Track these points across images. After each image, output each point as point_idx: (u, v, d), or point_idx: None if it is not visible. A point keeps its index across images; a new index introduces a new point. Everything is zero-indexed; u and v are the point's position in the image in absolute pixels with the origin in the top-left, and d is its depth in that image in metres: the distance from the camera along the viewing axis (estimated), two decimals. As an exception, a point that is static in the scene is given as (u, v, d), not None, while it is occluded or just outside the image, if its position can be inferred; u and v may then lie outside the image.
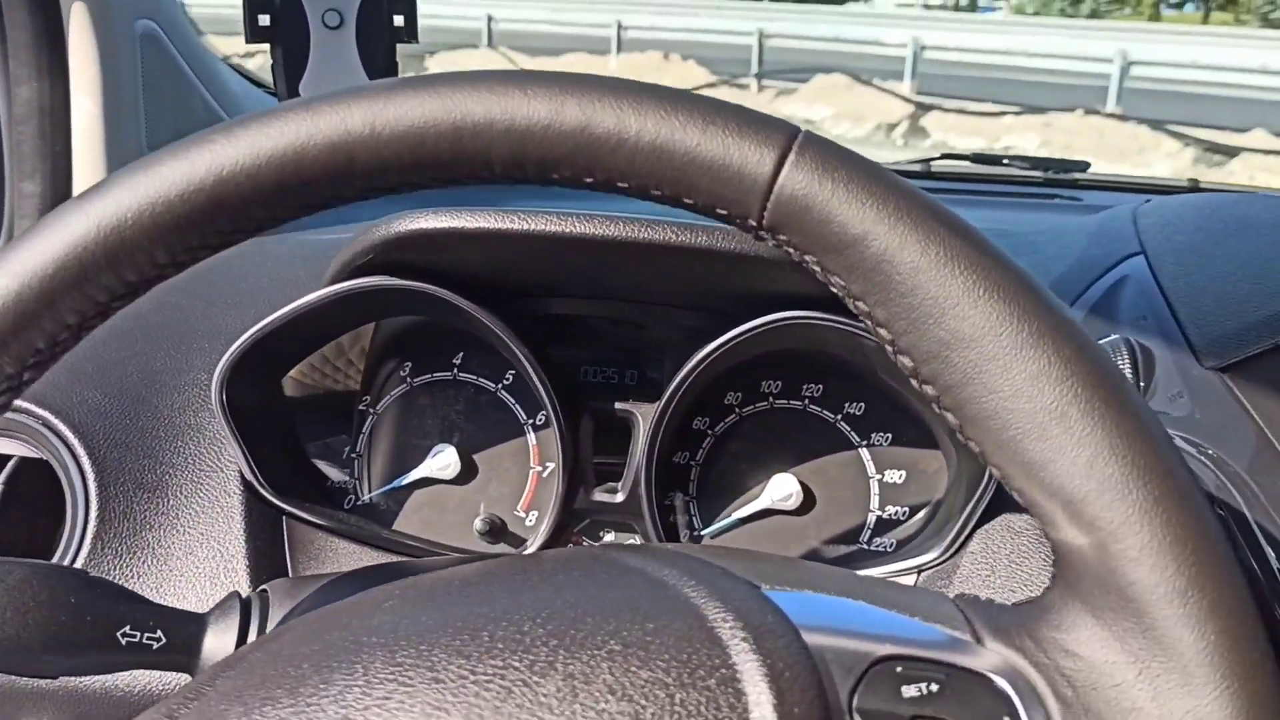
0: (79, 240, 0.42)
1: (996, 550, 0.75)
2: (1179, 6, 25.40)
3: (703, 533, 0.88)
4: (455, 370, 0.90)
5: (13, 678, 0.76)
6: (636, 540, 0.88)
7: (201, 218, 0.43)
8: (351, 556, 0.84)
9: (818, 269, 0.45)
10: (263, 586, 0.69)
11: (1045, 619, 0.44)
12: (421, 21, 1.22)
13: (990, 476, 0.74)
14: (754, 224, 0.44)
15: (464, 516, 0.89)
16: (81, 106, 1.11)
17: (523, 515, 0.89)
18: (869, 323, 0.45)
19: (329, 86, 1.20)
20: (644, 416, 0.86)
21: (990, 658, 0.44)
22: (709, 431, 0.88)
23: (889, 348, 0.45)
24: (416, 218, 0.72)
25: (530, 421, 0.90)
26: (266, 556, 0.81)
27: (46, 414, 0.81)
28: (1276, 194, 1.39)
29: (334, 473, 0.90)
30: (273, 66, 1.18)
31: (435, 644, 0.43)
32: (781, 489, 0.85)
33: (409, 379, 0.90)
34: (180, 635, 0.64)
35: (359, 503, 0.90)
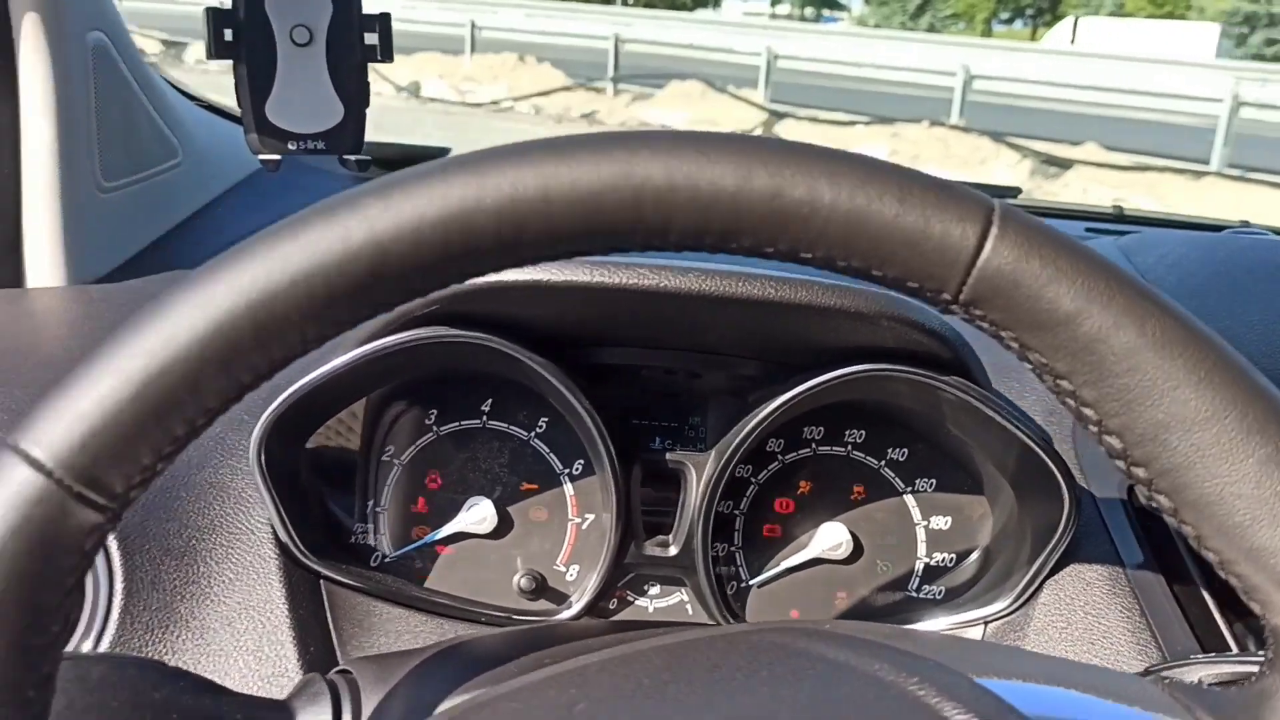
0: (227, 317, 0.38)
1: (1070, 602, 0.76)
2: (1009, 23, 26.65)
3: (751, 583, 0.86)
4: (484, 418, 0.86)
5: None
6: (684, 595, 0.86)
7: (358, 290, 0.39)
8: (396, 621, 0.79)
9: (1015, 345, 0.43)
10: (341, 668, 0.64)
11: (1267, 705, 0.44)
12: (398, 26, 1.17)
13: (1064, 528, 0.74)
14: (948, 298, 0.42)
15: (502, 572, 0.85)
16: (34, 127, 1.02)
17: (563, 569, 0.85)
18: (1071, 403, 0.43)
19: (297, 107, 1.14)
20: (696, 467, 0.83)
21: None
22: (752, 480, 0.86)
23: (1093, 428, 0.44)
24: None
25: (567, 471, 0.86)
26: (312, 626, 0.75)
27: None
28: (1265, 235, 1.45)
29: (355, 527, 0.85)
30: (236, 85, 1.10)
31: None
32: (831, 538, 0.84)
33: (435, 427, 0.85)
34: None
35: (386, 559, 0.84)
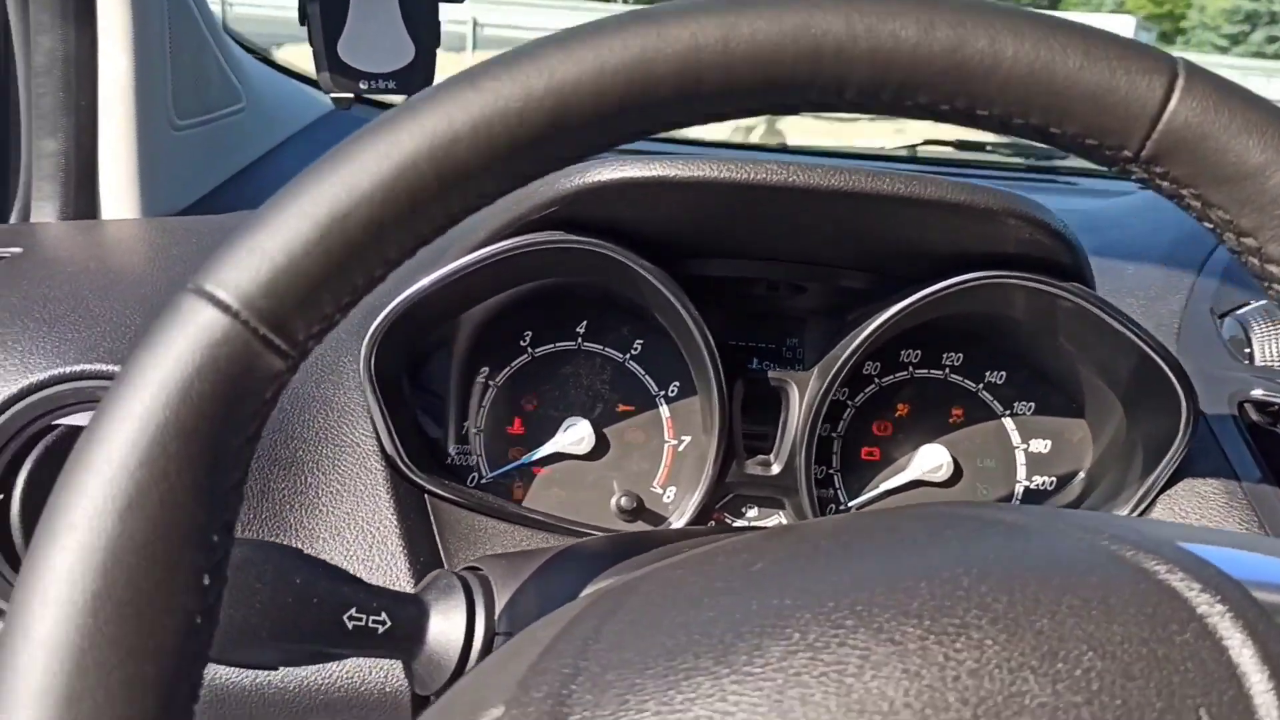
0: (410, 162, 0.37)
1: (1185, 517, 0.75)
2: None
3: (849, 505, 0.85)
4: (579, 340, 0.85)
5: (223, 673, 0.68)
6: (781, 517, 0.85)
7: (538, 141, 0.38)
8: (500, 536, 0.78)
9: (1196, 204, 0.43)
10: (469, 565, 0.63)
11: None
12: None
13: (1182, 440, 0.74)
14: (1129, 155, 0.42)
15: (599, 493, 0.84)
16: (110, 59, 1.01)
17: (659, 491, 0.85)
18: (1255, 262, 0.43)
19: (369, 46, 1.13)
20: (799, 386, 0.83)
21: None
22: (849, 402, 0.86)
23: (1273, 287, 0.43)
24: (619, 167, 0.68)
25: (662, 393, 0.85)
26: (419, 537, 0.75)
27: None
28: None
29: (451, 449, 0.84)
30: (309, 23, 1.10)
31: (870, 604, 0.39)
32: (931, 460, 0.84)
33: (530, 349, 0.85)
34: (403, 618, 0.58)
35: (483, 480, 0.84)
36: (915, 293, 0.75)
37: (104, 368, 0.73)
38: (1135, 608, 0.38)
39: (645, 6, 0.41)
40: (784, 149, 1.84)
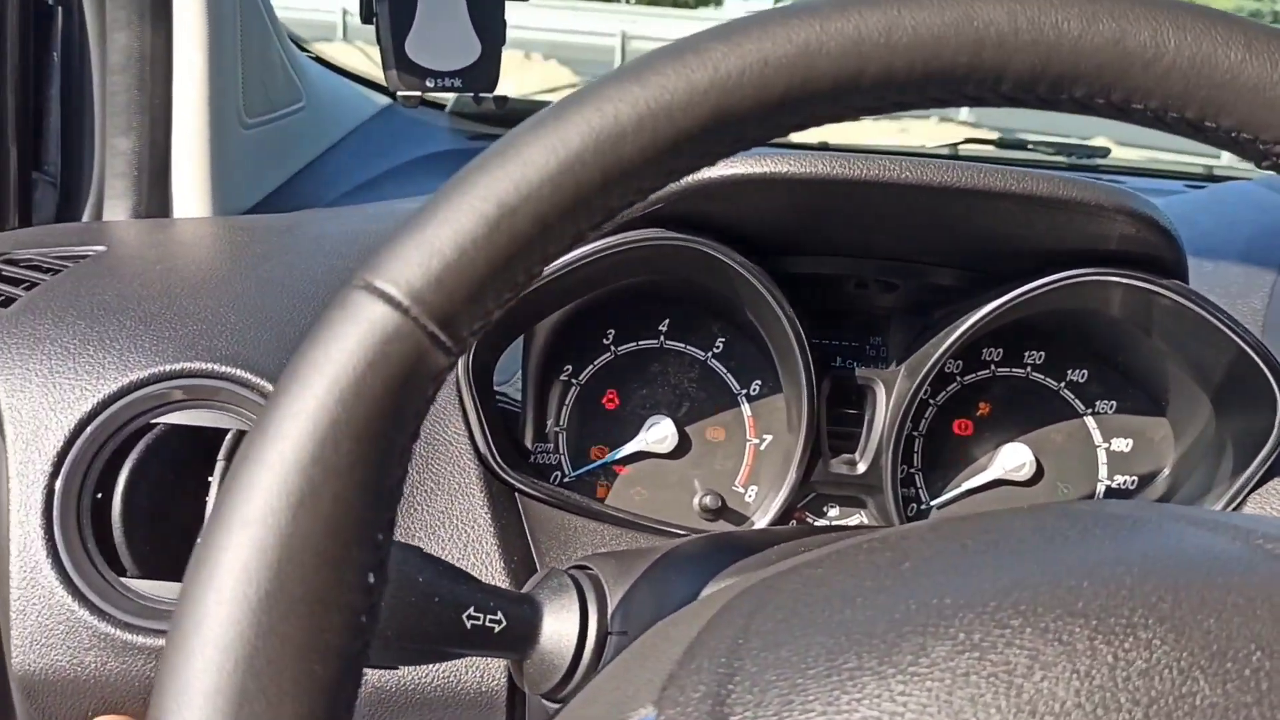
0: (577, 157, 0.37)
1: (1278, 512, 0.75)
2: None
3: (931, 504, 0.85)
4: (662, 338, 0.85)
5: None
6: (863, 517, 0.85)
7: (700, 134, 0.38)
8: (590, 535, 0.78)
9: None
10: (578, 563, 0.63)
11: None
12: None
13: (1277, 439, 0.74)
14: None
15: (681, 492, 0.84)
16: (185, 57, 1.02)
17: (741, 490, 0.85)
18: None
19: (436, 47, 1.14)
20: (885, 384, 0.83)
21: None
22: (931, 401, 0.86)
23: None
24: (729, 164, 0.68)
25: (744, 391, 0.86)
26: (513, 536, 0.75)
27: (262, 381, 0.74)
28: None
29: (534, 447, 0.84)
30: (377, 21, 1.10)
31: (1034, 603, 0.39)
32: (1014, 459, 0.84)
33: (613, 347, 0.85)
34: (517, 617, 0.58)
35: (565, 479, 0.84)
36: (1011, 290, 0.75)
37: (203, 365, 0.74)
38: None
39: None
40: (825, 147, 1.84)
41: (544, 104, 1.52)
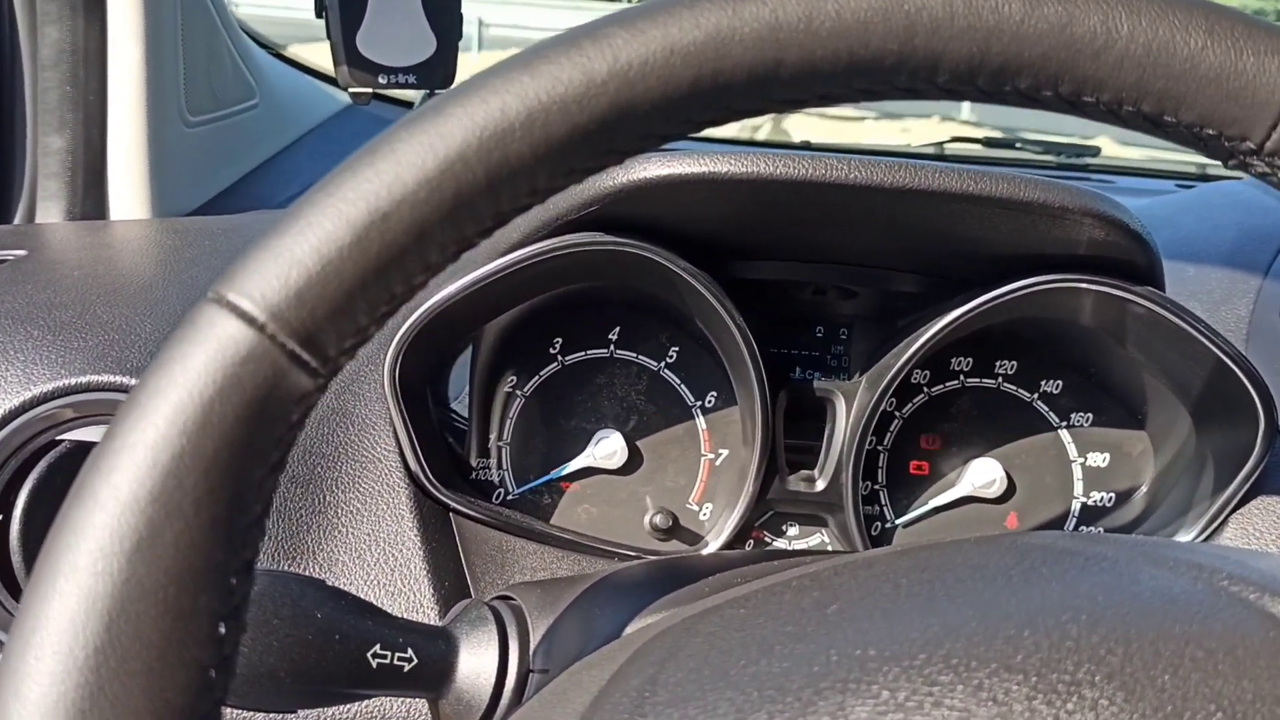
0: (458, 156, 0.33)
1: (1261, 536, 0.71)
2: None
3: (896, 523, 0.81)
4: (612, 347, 0.81)
5: (234, 717, 0.63)
6: (824, 536, 0.81)
7: (598, 129, 0.33)
8: (529, 557, 0.74)
9: None
10: (501, 593, 0.59)
11: None
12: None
13: (1259, 454, 0.69)
14: (1251, 147, 0.37)
15: (631, 510, 0.80)
16: (120, 51, 0.97)
17: (694, 508, 0.80)
18: None
19: (389, 38, 1.09)
20: (846, 396, 0.78)
21: None
22: (896, 414, 0.81)
23: None
24: (666, 163, 0.63)
25: (699, 404, 0.81)
26: (444, 559, 0.70)
27: (174, 397, 0.69)
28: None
29: (475, 462, 0.79)
30: (326, 15, 1.05)
31: (967, 656, 0.35)
32: (983, 475, 0.79)
33: (560, 357, 0.80)
34: (431, 654, 0.54)
35: (509, 496, 0.79)
36: (976, 297, 0.70)
37: (113, 379, 0.69)
38: (1267, 660, 0.34)
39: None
40: (807, 146, 1.80)
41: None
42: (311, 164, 1.24)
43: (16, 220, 0.99)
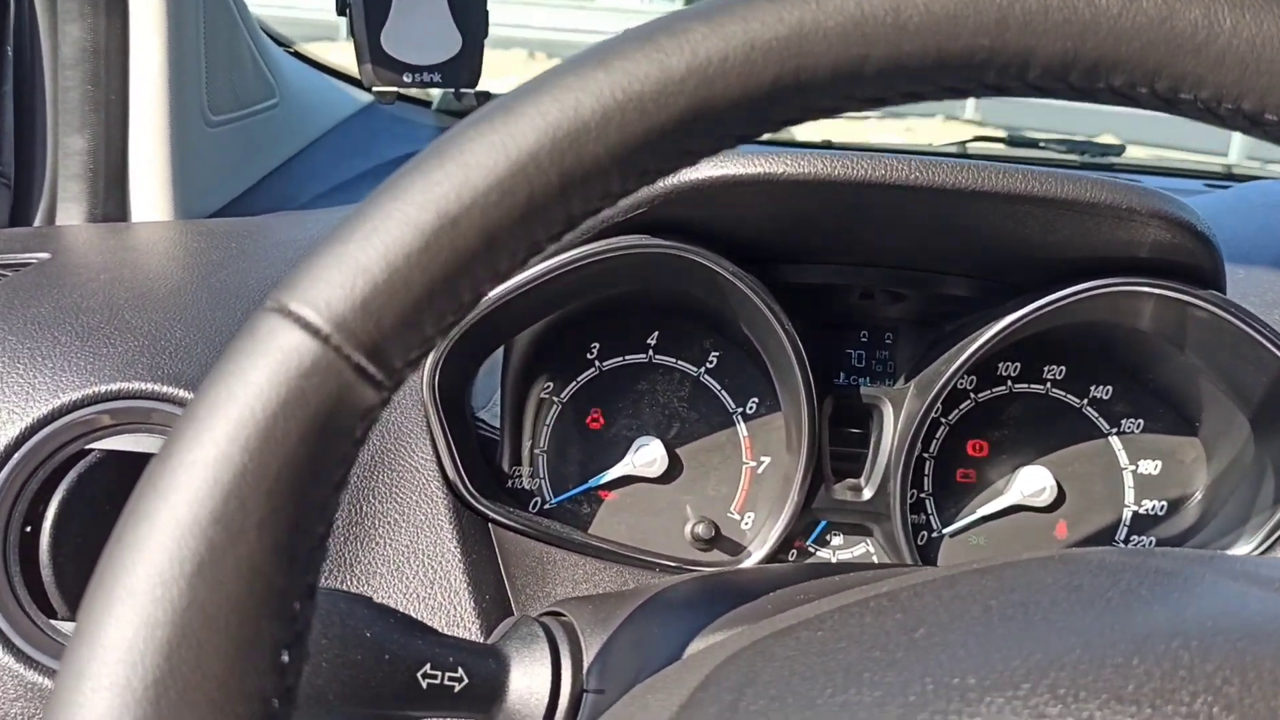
0: (530, 158, 0.31)
1: (1325, 545, 0.69)
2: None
3: (944, 532, 0.79)
4: (650, 352, 0.79)
5: None
6: (869, 545, 0.78)
7: (675, 129, 0.32)
8: (571, 569, 0.72)
9: None
10: (551, 609, 0.57)
11: None
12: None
13: (1324, 464, 0.67)
14: None
15: (672, 519, 0.78)
16: (142, 50, 0.95)
17: (736, 517, 0.78)
18: None
19: (413, 37, 1.07)
20: (893, 403, 0.76)
21: None
22: (942, 420, 0.79)
23: None
24: (719, 164, 0.61)
25: (740, 410, 0.79)
26: (485, 571, 0.68)
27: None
28: None
29: (512, 471, 0.77)
30: (350, 13, 1.04)
31: (1074, 686, 0.33)
32: (1033, 483, 0.77)
33: (597, 362, 0.78)
34: (482, 673, 0.52)
35: (547, 505, 0.77)
36: (1029, 301, 0.68)
37: (143, 386, 0.67)
38: None
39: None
40: (829, 145, 1.78)
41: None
42: (333, 163, 1.22)
43: (37, 222, 0.97)
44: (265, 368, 0.30)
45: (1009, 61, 0.33)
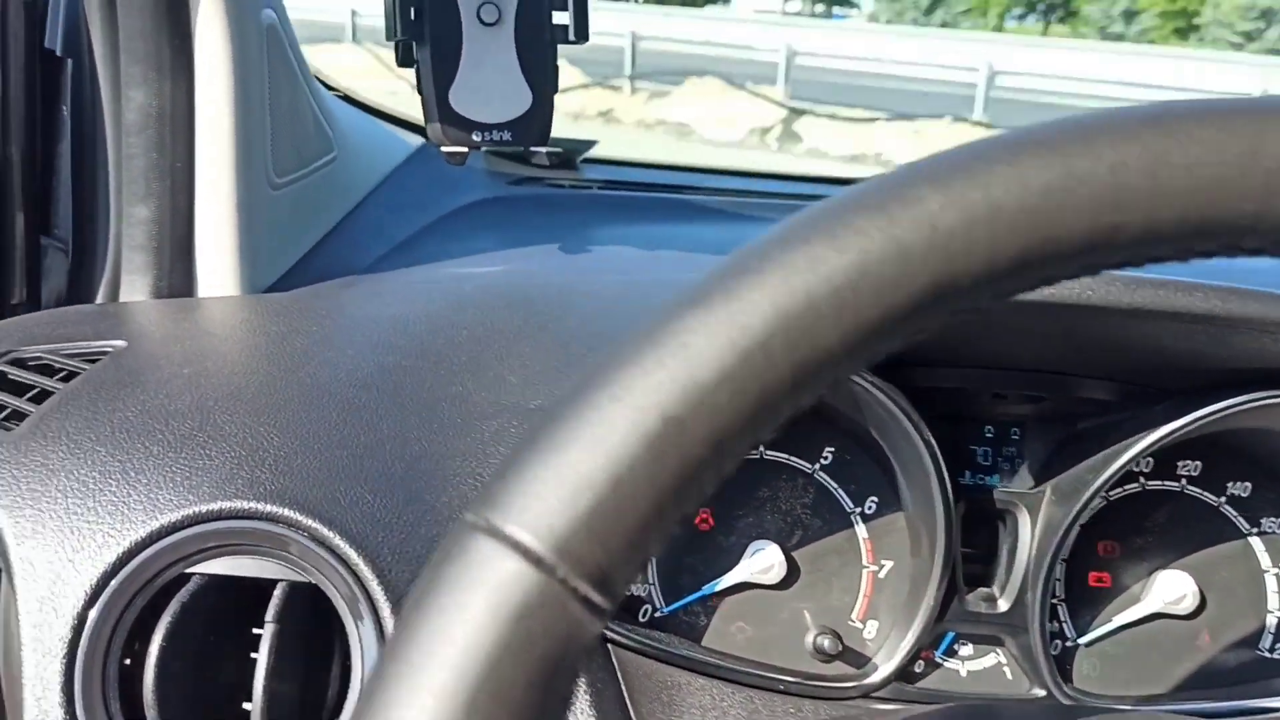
0: (760, 350, 0.27)
1: None
2: (1022, 19, 26.57)
3: (1079, 642, 0.74)
4: (762, 449, 0.74)
5: None
6: (1000, 656, 0.74)
7: (912, 311, 0.28)
8: (696, 694, 0.67)
9: None
10: None
11: None
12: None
13: None
14: None
15: (791, 629, 0.73)
16: (209, 115, 0.90)
17: (859, 626, 0.74)
18: None
19: (482, 92, 1.03)
20: (1030, 507, 0.72)
21: None
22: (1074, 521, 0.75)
23: None
24: None
25: (858, 510, 0.75)
26: (607, 698, 0.64)
27: (314, 524, 0.62)
28: None
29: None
30: (417, 68, 0.99)
31: None
32: (1174, 589, 0.73)
33: (708, 460, 0.74)
34: None
35: (657, 614, 0.73)
36: (1188, 411, 0.64)
37: (244, 505, 0.63)
38: None
39: (1029, 126, 0.30)
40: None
41: (589, 141, 1.40)
42: (389, 219, 1.17)
43: (100, 296, 0.92)
44: (483, 604, 0.26)
45: (1273, 226, 0.29)
